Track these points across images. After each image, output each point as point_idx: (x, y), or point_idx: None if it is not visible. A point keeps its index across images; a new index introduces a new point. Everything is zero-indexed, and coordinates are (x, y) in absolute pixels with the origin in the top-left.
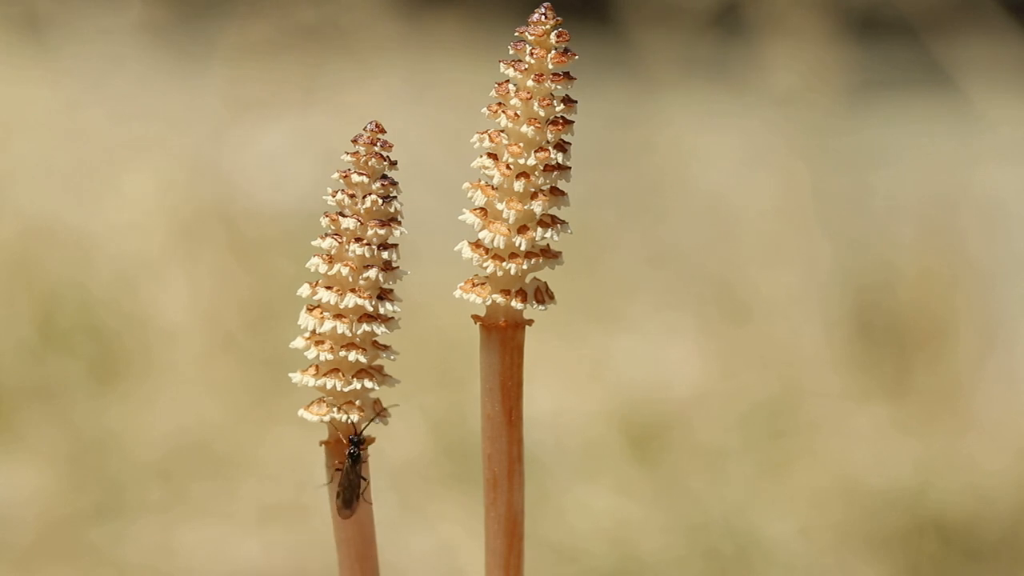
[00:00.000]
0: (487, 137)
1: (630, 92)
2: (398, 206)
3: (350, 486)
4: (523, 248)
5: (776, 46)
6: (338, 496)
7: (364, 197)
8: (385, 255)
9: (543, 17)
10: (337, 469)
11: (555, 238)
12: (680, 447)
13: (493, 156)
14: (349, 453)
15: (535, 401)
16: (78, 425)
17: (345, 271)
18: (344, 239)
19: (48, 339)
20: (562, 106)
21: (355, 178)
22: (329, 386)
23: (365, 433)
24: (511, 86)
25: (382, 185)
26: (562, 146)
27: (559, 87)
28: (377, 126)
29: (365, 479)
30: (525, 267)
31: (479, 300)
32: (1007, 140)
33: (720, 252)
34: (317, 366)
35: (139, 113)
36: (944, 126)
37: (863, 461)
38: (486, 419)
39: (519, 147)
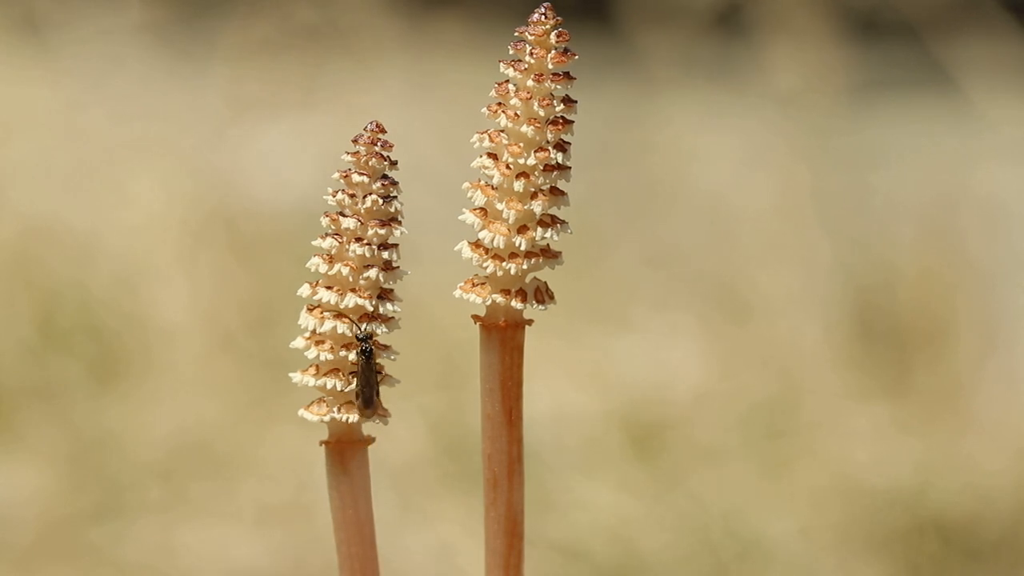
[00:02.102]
0: (487, 137)
1: (630, 92)
2: (398, 206)
3: (367, 383)
4: (523, 248)
5: (777, 46)
6: (357, 397)
7: (364, 197)
8: (385, 255)
9: (543, 17)
10: (351, 372)
11: (555, 238)
12: (680, 447)
13: (493, 156)
14: (362, 350)
15: (536, 401)
16: (78, 425)
17: (345, 271)
18: (344, 239)
19: (48, 339)
20: (562, 106)
21: (355, 178)
22: (329, 386)
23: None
24: (511, 86)
25: (382, 185)
26: (562, 146)
27: (559, 87)
28: (377, 126)
29: (379, 372)
30: (525, 267)
31: (479, 300)
32: (1008, 140)
33: (720, 252)
34: (317, 366)
35: (139, 113)
36: (945, 126)
37: (863, 461)
38: (486, 419)
39: (519, 147)
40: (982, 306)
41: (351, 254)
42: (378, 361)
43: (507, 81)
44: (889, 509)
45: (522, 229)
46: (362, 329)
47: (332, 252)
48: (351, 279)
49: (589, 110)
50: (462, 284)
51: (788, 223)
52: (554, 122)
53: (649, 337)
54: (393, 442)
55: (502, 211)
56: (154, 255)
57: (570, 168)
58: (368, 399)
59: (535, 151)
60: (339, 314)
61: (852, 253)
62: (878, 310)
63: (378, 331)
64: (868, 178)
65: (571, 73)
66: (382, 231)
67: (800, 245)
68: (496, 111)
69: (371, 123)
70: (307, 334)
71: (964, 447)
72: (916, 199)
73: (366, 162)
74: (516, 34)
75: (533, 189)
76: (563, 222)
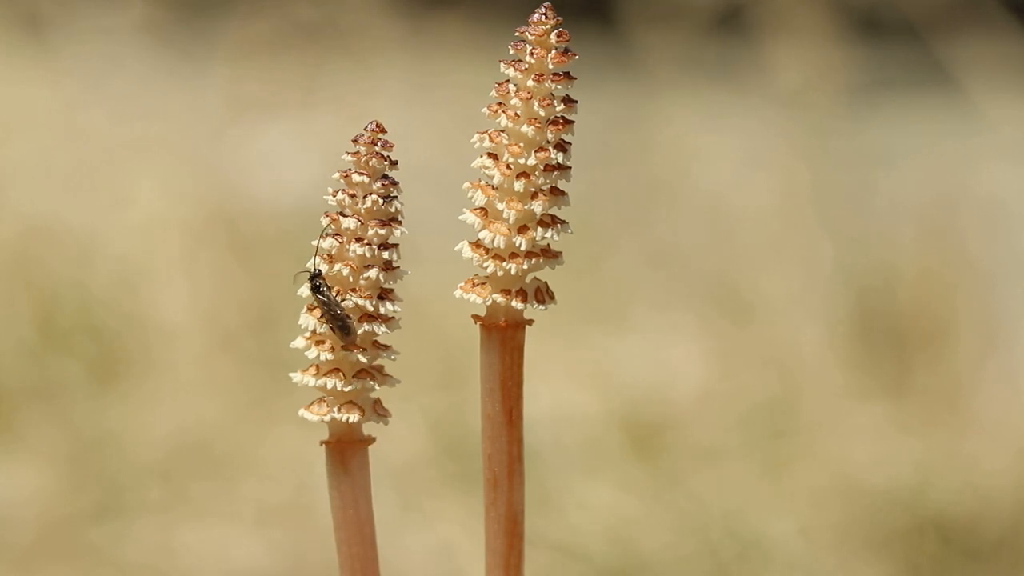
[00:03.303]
0: (487, 137)
1: (631, 92)
2: (399, 206)
3: (334, 316)
4: (523, 248)
5: (778, 46)
6: (334, 331)
7: (365, 197)
8: (386, 255)
9: (543, 17)
10: (316, 312)
11: (555, 238)
12: (680, 447)
13: (493, 156)
14: (314, 288)
15: (536, 401)
16: (78, 425)
17: (346, 271)
18: (345, 239)
19: (48, 339)
20: (562, 106)
21: (356, 178)
22: (329, 386)
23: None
24: (511, 86)
25: (383, 185)
26: (562, 146)
27: (559, 87)
28: (378, 126)
29: (340, 303)
30: (525, 267)
31: (479, 300)
32: (1009, 140)
33: (721, 252)
34: (317, 366)
35: (139, 113)
36: (946, 126)
37: (863, 461)
38: (486, 419)
39: (519, 147)
40: (982, 306)
41: (351, 254)
42: (331, 290)
43: (507, 81)
44: (889, 509)
45: (522, 229)
46: (314, 265)
47: (332, 252)
48: (351, 279)
49: (590, 110)
50: (462, 284)
51: (789, 223)
52: (554, 122)
53: (649, 337)
54: (393, 442)
55: (502, 211)
56: (154, 255)
57: (570, 168)
58: (343, 327)
59: (535, 151)
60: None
61: (852, 253)
62: (878, 310)
63: (378, 331)
64: (869, 178)
65: (571, 73)
66: (382, 231)
67: (801, 245)
68: (496, 111)
69: (371, 123)
70: (307, 334)
71: (964, 447)
72: (917, 199)
73: (366, 162)
74: (516, 34)
75: (533, 189)
76: (563, 222)
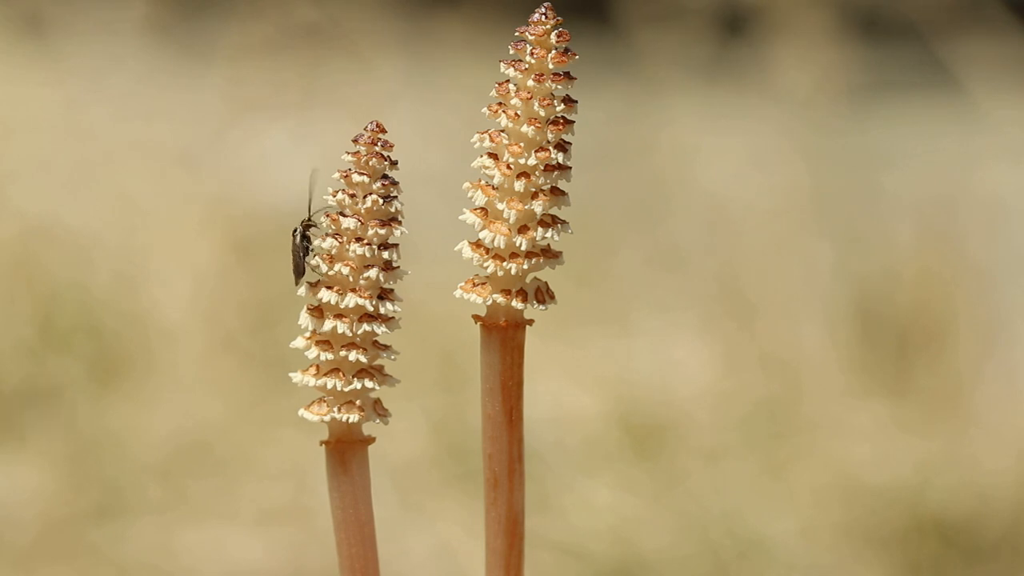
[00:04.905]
0: (487, 137)
1: (631, 92)
2: (399, 206)
3: (294, 255)
4: (524, 248)
5: (780, 46)
6: (294, 271)
7: (365, 197)
8: (385, 255)
9: (543, 17)
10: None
11: (556, 238)
12: (681, 446)
13: (493, 156)
14: (294, 230)
15: (537, 401)
16: (78, 425)
17: (346, 271)
18: (345, 239)
19: (48, 339)
20: (562, 106)
21: (356, 178)
22: (329, 386)
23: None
24: (511, 86)
25: (383, 185)
26: (562, 146)
27: (559, 87)
28: (378, 126)
29: (309, 248)
30: (526, 267)
31: (479, 300)
32: (1010, 140)
33: (722, 252)
34: (317, 366)
35: (140, 112)
36: (949, 127)
37: (864, 460)
38: (486, 419)
39: (519, 147)
40: (982, 306)
41: (351, 254)
42: (314, 246)
43: (507, 81)
44: (890, 508)
45: (523, 229)
46: (309, 216)
47: (332, 252)
48: (351, 279)
49: (591, 109)
50: (463, 284)
51: (790, 223)
52: (555, 122)
53: (650, 337)
54: (394, 442)
55: (503, 211)
56: (154, 255)
57: (571, 168)
58: (297, 268)
59: (536, 151)
60: (339, 314)
61: (854, 253)
62: (879, 310)
63: (378, 331)
64: (870, 178)
65: (572, 73)
66: (382, 231)
67: (802, 245)
68: (497, 111)
69: (371, 123)
70: (307, 334)
71: (964, 446)
72: (918, 199)
73: (366, 162)
74: (517, 34)
75: (534, 189)
76: (564, 222)
